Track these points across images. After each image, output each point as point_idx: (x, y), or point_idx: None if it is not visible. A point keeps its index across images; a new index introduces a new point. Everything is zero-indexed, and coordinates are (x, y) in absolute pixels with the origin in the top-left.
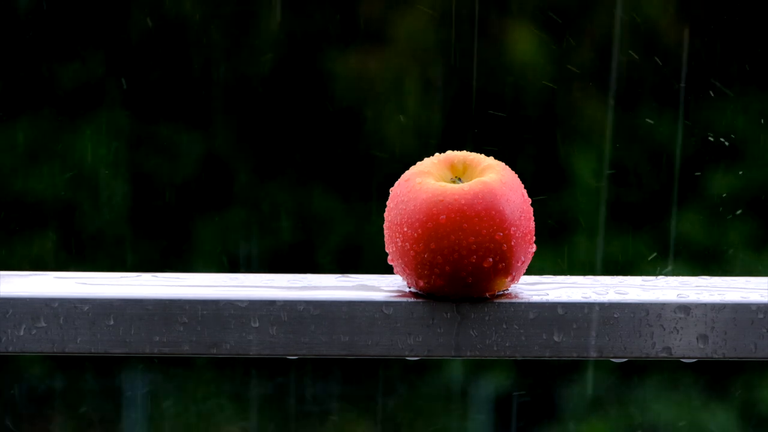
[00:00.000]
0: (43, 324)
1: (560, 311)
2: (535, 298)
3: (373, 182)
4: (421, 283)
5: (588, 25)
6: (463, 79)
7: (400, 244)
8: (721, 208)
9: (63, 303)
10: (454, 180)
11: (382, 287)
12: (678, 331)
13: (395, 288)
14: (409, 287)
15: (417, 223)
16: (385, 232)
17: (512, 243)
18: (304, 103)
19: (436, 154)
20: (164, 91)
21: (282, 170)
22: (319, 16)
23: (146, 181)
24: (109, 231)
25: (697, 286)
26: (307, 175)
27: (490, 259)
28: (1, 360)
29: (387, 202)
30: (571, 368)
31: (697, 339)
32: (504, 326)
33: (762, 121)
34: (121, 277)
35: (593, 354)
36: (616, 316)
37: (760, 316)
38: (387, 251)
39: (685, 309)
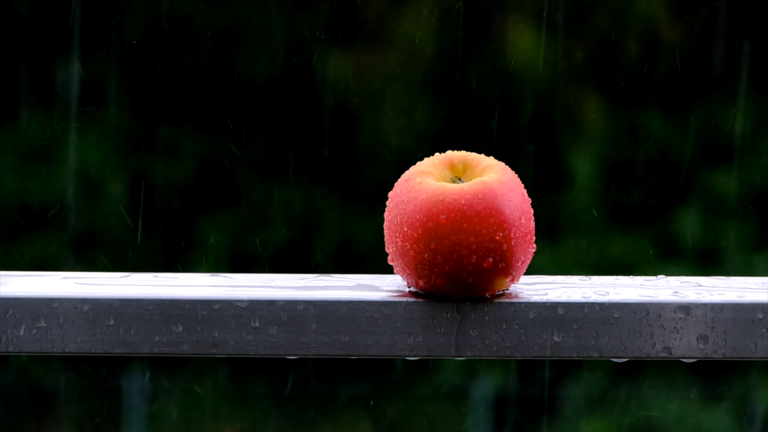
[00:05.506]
0: (43, 324)
1: (560, 311)
2: (535, 298)
3: (373, 182)
4: (421, 283)
5: (588, 24)
6: (462, 78)
7: (400, 244)
8: (721, 208)
9: (63, 303)
10: (454, 180)
11: (382, 287)
12: (678, 331)
13: (395, 288)
14: (409, 287)
15: (417, 223)
16: (385, 232)
17: (512, 243)
18: (304, 102)
19: (436, 154)
20: (165, 91)
21: (281, 170)
22: (319, 15)
23: (146, 181)
24: (109, 231)
25: (697, 286)
26: (307, 175)
27: (490, 259)
28: (1, 360)
29: (387, 202)
30: (571, 368)
31: (697, 339)
32: (504, 326)
33: (761, 120)
34: (121, 277)
35: (593, 354)
36: (616, 316)
37: (760, 316)
38: (387, 251)
39: (685, 309)
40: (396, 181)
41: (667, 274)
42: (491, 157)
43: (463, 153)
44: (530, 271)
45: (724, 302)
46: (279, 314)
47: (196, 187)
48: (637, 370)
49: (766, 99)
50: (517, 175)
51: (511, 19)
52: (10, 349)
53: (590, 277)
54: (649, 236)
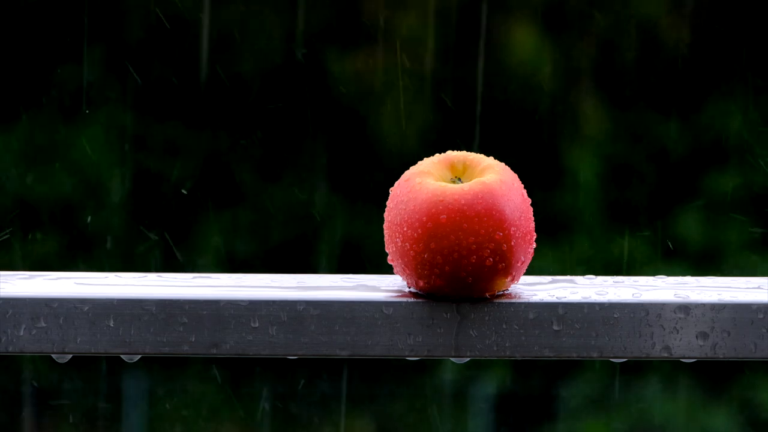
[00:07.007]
0: (43, 324)
1: (560, 311)
2: (535, 298)
3: (373, 182)
4: (421, 283)
5: (588, 24)
6: (463, 78)
7: (400, 244)
8: (721, 208)
9: (63, 303)
10: (454, 180)
11: (382, 287)
12: (678, 331)
13: (395, 288)
14: (409, 287)
15: (417, 223)
16: (385, 232)
17: (512, 243)
18: (305, 102)
19: (436, 154)
20: (165, 90)
21: (282, 170)
22: (321, 16)
23: (147, 181)
24: (110, 231)
25: (697, 286)
26: (308, 175)
27: (490, 259)
28: (1, 360)
29: (387, 202)
30: (571, 368)
31: (697, 339)
32: (504, 326)
33: (761, 121)
34: (121, 277)
35: (593, 354)
36: (616, 316)
37: (760, 316)
38: (387, 251)
39: (685, 309)
40: (396, 180)
41: (667, 274)
42: (491, 157)
43: (463, 153)
44: (530, 271)
45: (724, 302)
46: (279, 314)
47: (197, 187)
48: (637, 370)
49: (766, 99)
50: (517, 176)
51: (512, 19)
52: (10, 349)
53: (590, 277)
54: (649, 236)
